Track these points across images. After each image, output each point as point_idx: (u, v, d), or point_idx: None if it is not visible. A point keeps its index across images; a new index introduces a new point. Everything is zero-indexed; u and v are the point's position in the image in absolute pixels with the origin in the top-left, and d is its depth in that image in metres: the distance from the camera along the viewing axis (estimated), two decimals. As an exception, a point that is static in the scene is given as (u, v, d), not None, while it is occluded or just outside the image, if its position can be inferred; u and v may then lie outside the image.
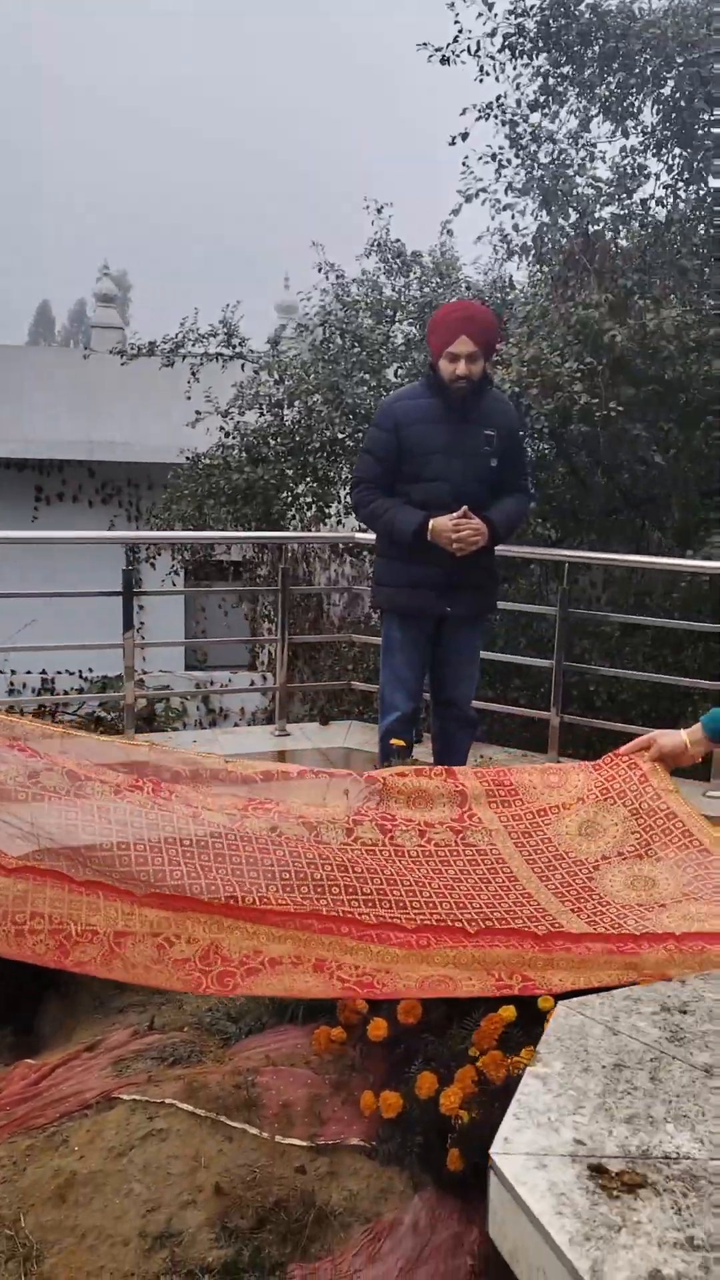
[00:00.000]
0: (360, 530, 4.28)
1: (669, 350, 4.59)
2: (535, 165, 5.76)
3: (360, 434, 5.17)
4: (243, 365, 6.22)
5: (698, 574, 4.72)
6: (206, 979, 1.37)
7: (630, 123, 5.47)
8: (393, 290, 6.54)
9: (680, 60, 5.04)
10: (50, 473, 10.03)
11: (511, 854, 1.80)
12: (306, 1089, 1.66)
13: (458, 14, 5.38)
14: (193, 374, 6.13)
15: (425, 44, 5.54)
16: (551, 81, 5.61)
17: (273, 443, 5.96)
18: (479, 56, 5.53)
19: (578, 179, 5.67)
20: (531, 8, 5.33)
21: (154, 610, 8.67)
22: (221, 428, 6.10)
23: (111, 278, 12.04)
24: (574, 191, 5.62)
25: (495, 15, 5.41)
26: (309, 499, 6.06)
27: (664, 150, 5.50)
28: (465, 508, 2.72)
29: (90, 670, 7.60)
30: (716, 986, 1.24)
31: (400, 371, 5.97)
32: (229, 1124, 1.57)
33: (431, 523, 2.73)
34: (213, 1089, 1.63)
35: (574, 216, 5.64)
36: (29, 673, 8.08)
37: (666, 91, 5.24)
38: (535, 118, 5.72)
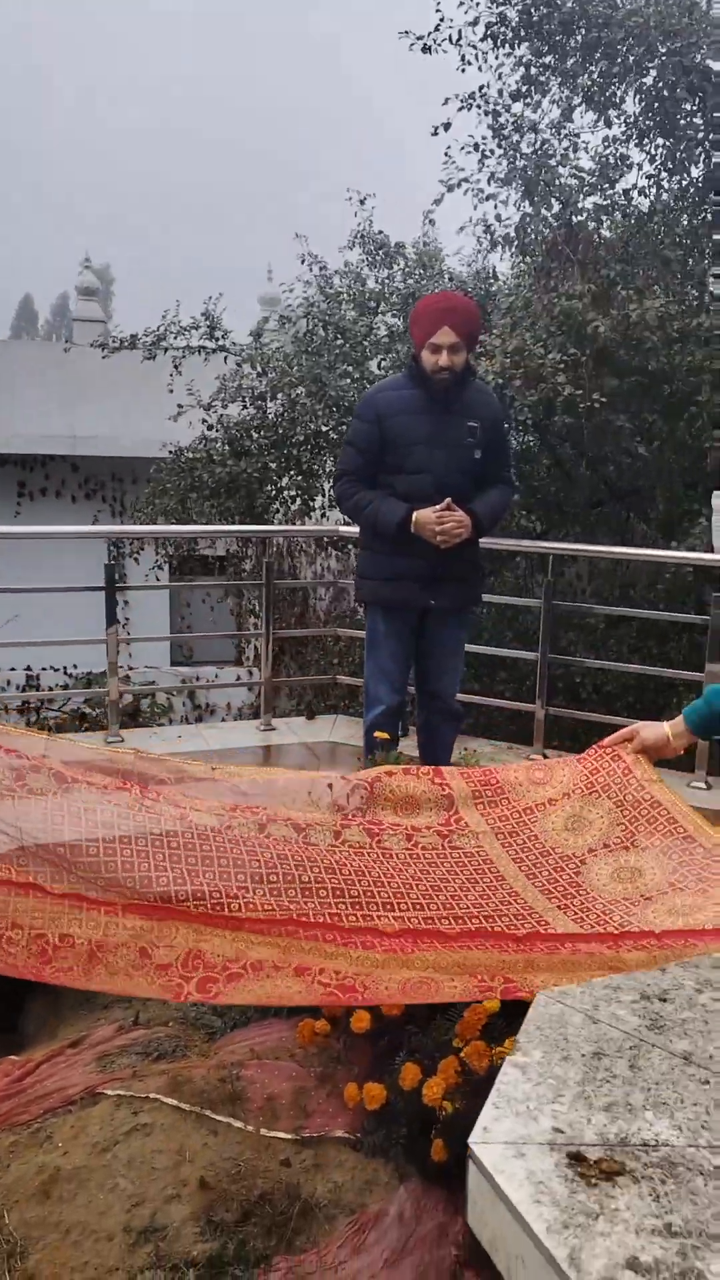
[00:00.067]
0: (345, 524, 4.27)
1: (652, 341, 4.60)
2: (518, 155, 5.75)
3: (344, 427, 5.16)
4: (225, 358, 6.18)
5: (682, 565, 4.74)
6: (188, 985, 1.37)
7: (613, 112, 5.47)
8: (376, 282, 6.52)
9: (663, 49, 5.03)
10: (33, 468, 9.96)
11: (499, 854, 1.80)
12: (291, 1082, 1.66)
13: (439, 2, 5.36)
14: (175, 367, 6.08)
15: (407, 32, 5.51)
16: (534, 71, 5.60)
17: (256, 436, 5.93)
18: (460, 45, 5.50)
19: (560, 169, 5.67)
20: (513, -4, 5.32)
21: (139, 606, 8.62)
22: (204, 420, 6.06)
23: (94, 271, 11.94)
24: (556, 182, 5.62)
25: (477, 4, 5.39)
26: (293, 492, 6.03)
27: (646, 140, 5.50)
28: (449, 500, 2.71)
29: (75, 667, 7.57)
30: (696, 974, 1.25)
31: (384, 364, 5.95)
32: (214, 1118, 1.57)
33: (415, 515, 2.72)
34: (197, 1083, 1.63)
35: (557, 207, 5.63)
36: (13, 669, 8.03)
37: (649, 81, 5.23)
38: (517, 107, 5.71)
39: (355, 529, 3.05)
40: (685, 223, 5.39)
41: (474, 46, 5.49)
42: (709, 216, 5.29)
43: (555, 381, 4.46)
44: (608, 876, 1.72)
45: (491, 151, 5.79)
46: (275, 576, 4.50)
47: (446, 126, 5.66)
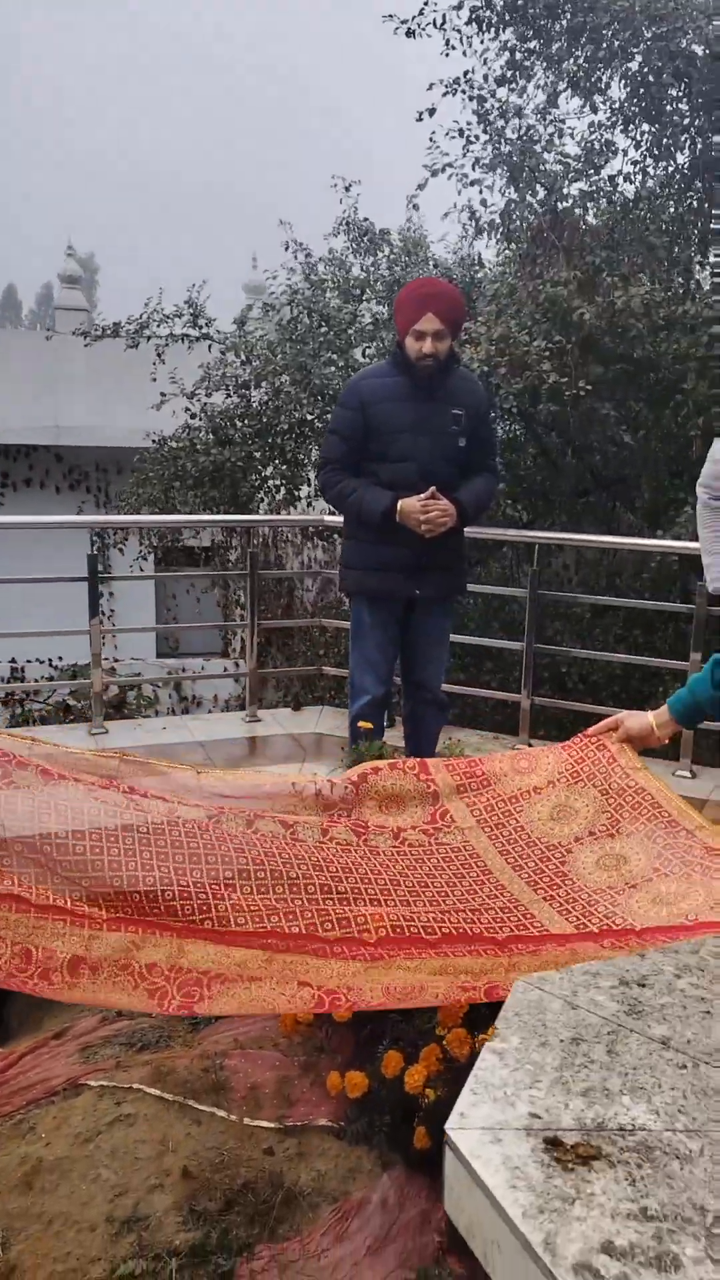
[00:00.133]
0: (330, 513, 4.25)
1: (638, 329, 4.59)
2: (503, 141, 5.71)
3: (329, 415, 5.14)
4: (209, 346, 6.13)
5: (668, 554, 4.75)
6: (172, 988, 1.36)
7: (598, 98, 5.43)
8: (361, 269, 6.48)
9: (648, 34, 5.00)
10: (17, 458, 9.88)
11: (486, 848, 1.80)
12: (275, 1071, 1.66)
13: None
14: (158, 355, 6.03)
15: (391, 16, 5.46)
16: (519, 56, 5.56)
17: (240, 424, 5.90)
18: (445, 30, 5.46)
19: (545, 155, 5.64)
20: (498, -20, 5.27)
21: (124, 598, 8.58)
22: (188, 409, 6.02)
23: (77, 259, 11.79)
24: (541, 167, 5.59)
25: (462, -12, 5.34)
26: (277, 481, 6.00)
27: (632, 126, 5.47)
28: (433, 489, 2.70)
29: (60, 659, 7.52)
30: (676, 960, 1.25)
31: (369, 351, 5.92)
32: (197, 1107, 1.56)
33: (400, 504, 2.71)
34: (181, 1073, 1.63)
35: (542, 193, 5.61)
36: (-2, 661, 7.99)
37: (634, 66, 5.20)
38: (502, 93, 5.67)
39: (340, 519, 3.04)
40: (671, 209, 5.37)
41: (458, 31, 5.45)
42: (695, 203, 5.28)
43: (540, 369, 4.44)
44: (593, 865, 1.72)
45: (476, 137, 5.75)
46: (260, 567, 4.47)
47: (431, 112, 5.62)
